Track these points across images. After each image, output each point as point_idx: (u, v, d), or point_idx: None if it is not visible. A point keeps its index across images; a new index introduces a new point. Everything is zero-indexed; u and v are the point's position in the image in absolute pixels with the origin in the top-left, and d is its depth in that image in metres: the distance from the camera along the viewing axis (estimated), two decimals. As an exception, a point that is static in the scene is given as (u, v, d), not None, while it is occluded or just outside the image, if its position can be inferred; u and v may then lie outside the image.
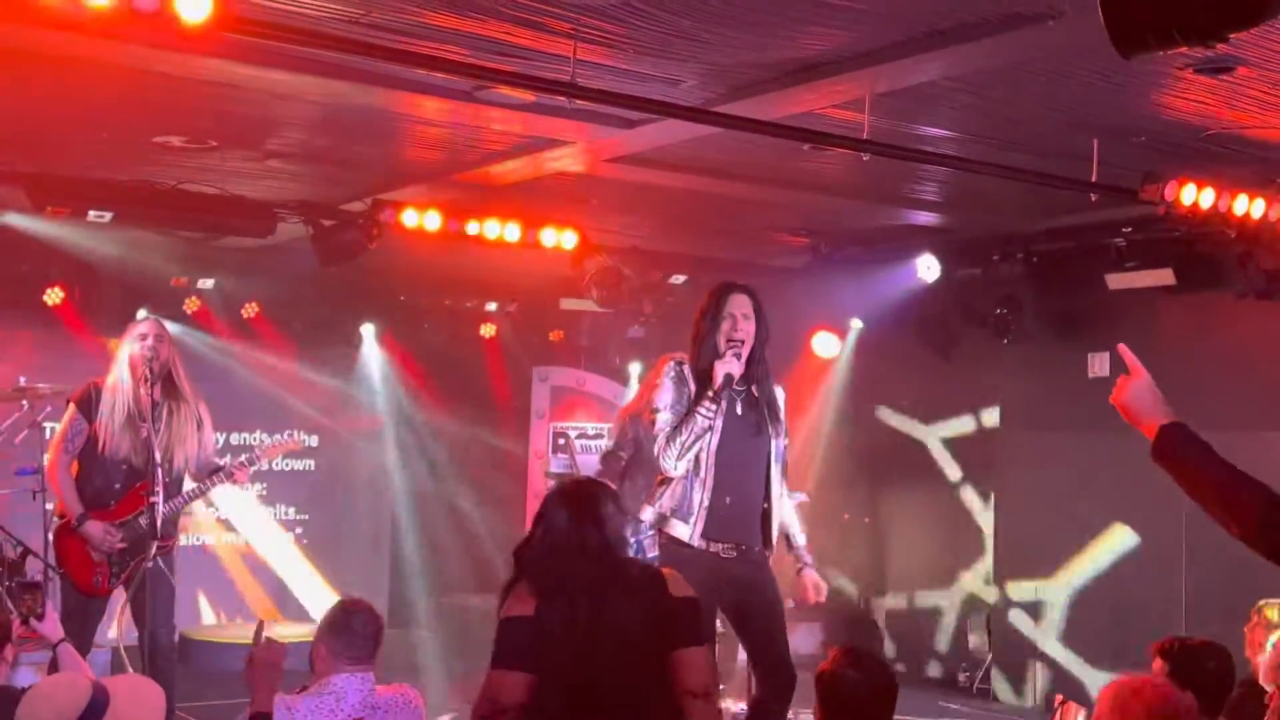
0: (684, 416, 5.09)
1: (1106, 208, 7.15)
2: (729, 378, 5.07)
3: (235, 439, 9.45)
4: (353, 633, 5.01)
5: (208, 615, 9.56)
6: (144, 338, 6.13)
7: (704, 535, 5.11)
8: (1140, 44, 2.85)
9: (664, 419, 5.12)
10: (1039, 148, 6.33)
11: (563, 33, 4.79)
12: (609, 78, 5.29)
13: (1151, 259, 7.56)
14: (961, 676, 9.13)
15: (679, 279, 9.44)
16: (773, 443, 5.26)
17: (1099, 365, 8.34)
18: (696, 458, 5.11)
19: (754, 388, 5.23)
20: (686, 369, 5.19)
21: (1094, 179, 6.32)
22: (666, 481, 5.20)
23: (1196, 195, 6.29)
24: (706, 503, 5.11)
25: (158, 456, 5.92)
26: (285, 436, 6.87)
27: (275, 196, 7.67)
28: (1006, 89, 5.52)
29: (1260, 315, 7.42)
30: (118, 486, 6.13)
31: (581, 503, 3.63)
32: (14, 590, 5.61)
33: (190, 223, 7.40)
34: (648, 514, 5.27)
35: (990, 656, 8.92)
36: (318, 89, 5.56)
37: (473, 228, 7.65)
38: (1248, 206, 6.48)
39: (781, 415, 5.33)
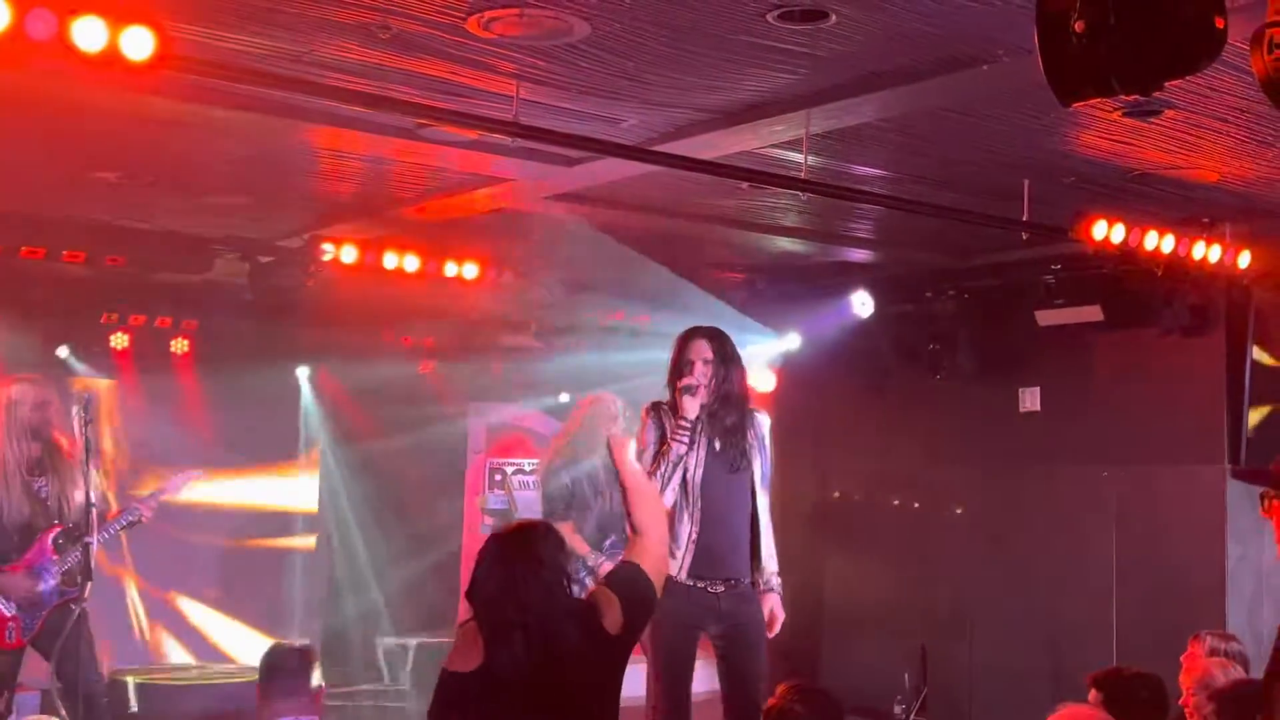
0: (658, 450, 5.25)
1: (1037, 245, 7.31)
2: (703, 406, 5.26)
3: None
4: (287, 674, 5.00)
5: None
6: (19, 403, 6.16)
7: (691, 572, 5.21)
8: (1079, 93, 2.94)
9: (645, 457, 5.25)
10: (972, 187, 6.45)
11: (507, 73, 4.82)
12: (551, 117, 5.33)
13: (1080, 296, 7.72)
14: (898, 709, 9.17)
15: (616, 314, 9.47)
16: (755, 475, 5.38)
17: (1029, 400, 8.49)
18: (685, 493, 5.22)
19: (729, 424, 5.33)
20: (663, 410, 5.37)
21: (1025, 218, 6.45)
22: None
23: (1125, 234, 6.44)
24: (694, 536, 5.23)
25: (51, 506, 5.98)
26: (198, 474, 6.87)
27: (212, 232, 7.61)
28: (941, 130, 5.64)
29: (1186, 351, 7.60)
30: (16, 539, 6.15)
31: (521, 545, 3.63)
32: None
33: (124, 259, 7.30)
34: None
35: (925, 689, 8.97)
36: (258, 126, 5.54)
37: (411, 264, 7.64)
38: (1174, 245, 6.65)
39: (762, 445, 5.44)
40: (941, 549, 8.91)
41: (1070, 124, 5.41)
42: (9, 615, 6.08)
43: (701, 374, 5.29)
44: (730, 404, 5.36)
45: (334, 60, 4.73)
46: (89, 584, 6.25)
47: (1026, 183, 6.27)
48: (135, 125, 5.52)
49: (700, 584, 5.23)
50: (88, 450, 6.12)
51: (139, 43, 3.86)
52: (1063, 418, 8.28)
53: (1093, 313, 7.68)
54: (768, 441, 5.47)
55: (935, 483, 9.02)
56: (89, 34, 3.78)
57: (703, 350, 5.34)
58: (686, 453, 5.25)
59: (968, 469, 8.81)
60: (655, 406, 5.40)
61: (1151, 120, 5.29)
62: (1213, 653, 5.11)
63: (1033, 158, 5.96)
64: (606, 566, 5.48)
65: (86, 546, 6.23)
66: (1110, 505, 7.95)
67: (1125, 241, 6.46)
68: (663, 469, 5.20)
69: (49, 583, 6.07)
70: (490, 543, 3.67)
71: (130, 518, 6.38)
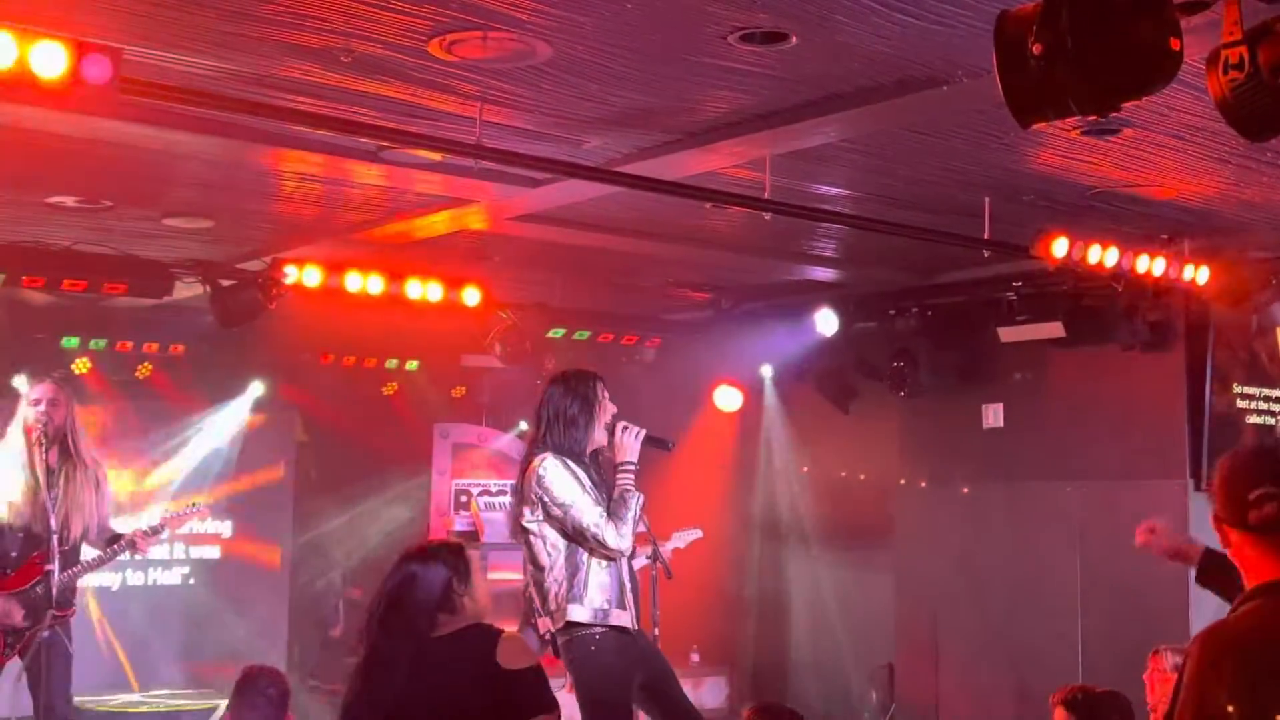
0: (617, 494, 5.09)
1: (999, 263, 7.36)
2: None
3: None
4: (258, 696, 4.96)
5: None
6: (38, 402, 6.01)
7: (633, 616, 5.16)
8: (1038, 114, 2.97)
9: (586, 504, 5.02)
10: (933, 206, 6.50)
11: (470, 95, 4.82)
12: (514, 139, 5.34)
13: (1042, 312, 7.77)
14: (866, 729, 9.20)
15: (582, 334, 9.47)
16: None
17: (993, 416, 8.54)
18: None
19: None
20: (565, 459, 5.11)
21: (987, 236, 6.50)
22: (589, 570, 5.05)
23: (1084, 251, 6.50)
24: (629, 582, 5.15)
25: (54, 524, 5.77)
26: (189, 507, 6.76)
27: (172, 256, 7.56)
28: (901, 150, 5.67)
29: (1145, 367, 7.67)
30: (14, 555, 5.96)
31: (397, 566, 3.63)
32: None
33: (83, 284, 7.23)
34: (579, 613, 5.01)
35: (894, 708, 9.00)
36: (217, 149, 5.51)
37: (374, 285, 7.61)
38: (1134, 262, 6.71)
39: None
40: (907, 566, 8.94)
41: (1030, 143, 5.45)
42: None
43: (612, 408, 5.27)
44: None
45: (296, 83, 4.71)
46: (71, 610, 6.14)
47: (988, 200, 6.33)
48: (93, 148, 5.47)
49: (622, 620, 5.09)
50: (73, 467, 6.01)
51: (98, 68, 3.82)
52: (1026, 433, 8.33)
53: (1054, 329, 7.73)
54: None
55: (900, 499, 9.04)
56: (48, 60, 3.75)
57: (604, 390, 5.29)
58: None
59: (932, 485, 8.85)
60: (556, 458, 5.09)
61: (1110, 138, 5.34)
62: (1176, 668, 5.13)
63: (993, 176, 6.01)
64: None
65: (80, 570, 6.14)
66: (1073, 521, 8.00)
67: (1085, 258, 6.52)
68: (629, 510, 5.07)
69: (34, 606, 5.90)
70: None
71: (126, 549, 6.26)
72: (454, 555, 3.75)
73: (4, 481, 5.96)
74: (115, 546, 6.21)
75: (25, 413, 6.02)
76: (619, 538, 5.00)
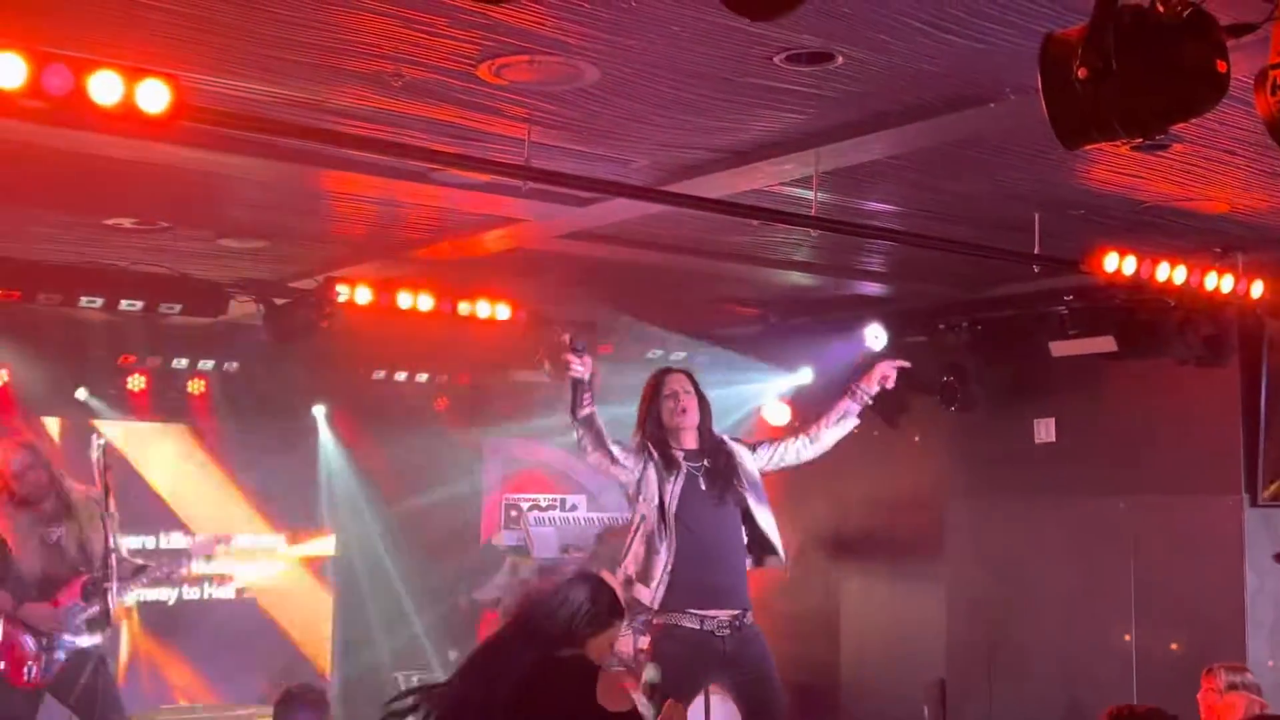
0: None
1: (1049, 277, 7.31)
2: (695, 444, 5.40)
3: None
4: (297, 711, 5.02)
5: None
6: (28, 467, 6.25)
7: (679, 606, 5.23)
8: (1084, 136, 2.96)
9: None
10: (982, 221, 6.47)
11: (518, 117, 4.86)
12: (562, 159, 5.38)
13: (1094, 327, 7.71)
14: (918, 746, 9.14)
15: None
16: (753, 503, 5.48)
17: (1044, 431, 8.47)
18: (660, 524, 5.21)
19: (707, 461, 5.38)
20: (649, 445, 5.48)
21: (1037, 251, 6.46)
22: (633, 543, 5.37)
23: (1136, 266, 6.45)
24: (671, 566, 5.26)
25: (73, 554, 6.01)
26: (228, 538, 6.97)
27: (227, 275, 7.67)
28: (950, 166, 5.66)
29: (1199, 381, 7.58)
30: (35, 593, 6.17)
31: (547, 579, 3.67)
32: None
33: (140, 303, 7.36)
34: (618, 575, 5.37)
35: (945, 725, 8.94)
36: (271, 171, 5.59)
37: (425, 303, 7.68)
38: (1186, 276, 6.65)
39: (746, 472, 5.54)
40: (958, 581, 8.88)
41: (1079, 158, 5.42)
42: (30, 653, 6.07)
43: (689, 404, 5.46)
44: (710, 435, 5.52)
45: (347, 107, 4.78)
46: (107, 630, 6.28)
47: (1037, 216, 6.29)
48: (151, 172, 5.57)
49: (706, 624, 5.23)
50: (106, 494, 6.16)
51: (155, 95, 3.90)
52: (1078, 449, 8.26)
53: (1106, 343, 7.66)
54: (748, 470, 5.54)
55: (951, 514, 8.99)
56: (105, 88, 3.83)
57: (682, 382, 5.55)
58: (667, 483, 5.31)
59: (983, 501, 8.79)
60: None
61: (1160, 154, 5.30)
62: (1230, 687, 5.09)
63: (1043, 191, 5.98)
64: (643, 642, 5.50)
65: (105, 593, 6.26)
66: (1127, 536, 7.92)
67: (1137, 273, 6.46)
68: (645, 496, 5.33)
69: (72, 627, 6.07)
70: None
71: (157, 575, 6.44)
72: (599, 591, 3.79)
73: (14, 534, 6.19)
74: (140, 576, 6.44)
75: (14, 476, 6.26)
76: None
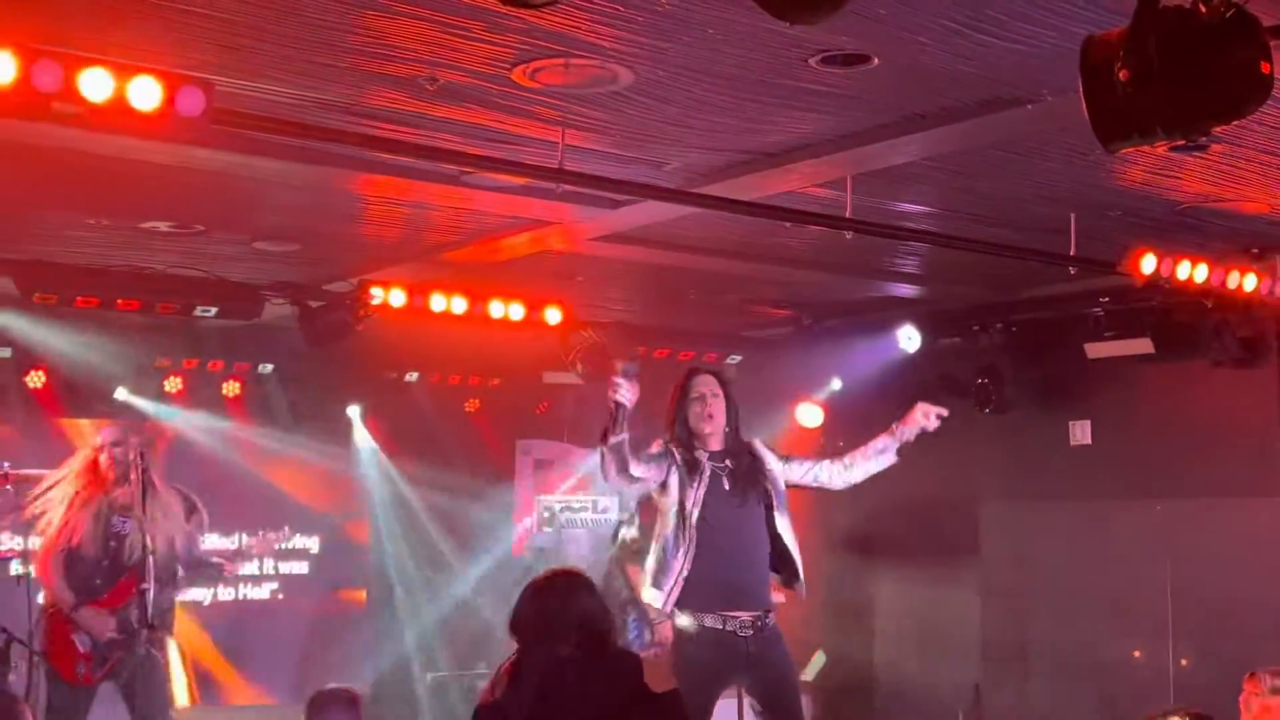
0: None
1: (1084, 278, 7.26)
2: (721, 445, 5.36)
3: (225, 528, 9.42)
4: (330, 711, 5.04)
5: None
6: (116, 444, 6.27)
7: (697, 608, 5.23)
8: (1124, 139, 2.94)
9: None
10: (1017, 222, 6.43)
11: (552, 120, 4.87)
12: (596, 161, 5.38)
13: (1130, 328, 7.65)
14: (952, 747, 9.09)
15: (661, 351, 9.48)
16: (774, 508, 5.44)
17: (1080, 433, 8.42)
18: (679, 528, 5.19)
19: (730, 461, 5.37)
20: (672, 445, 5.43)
21: (1072, 252, 6.42)
22: (654, 540, 5.36)
23: (1173, 267, 6.39)
24: (686, 573, 5.24)
25: (136, 551, 6.00)
26: (277, 533, 6.91)
27: (261, 278, 7.71)
28: (985, 167, 5.63)
29: (1236, 383, 7.51)
30: (99, 583, 6.16)
31: (561, 596, 3.66)
32: None
33: (176, 306, 7.41)
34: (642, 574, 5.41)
35: (980, 730, 8.89)
36: (306, 175, 5.62)
37: (458, 306, 7.69)
38: (1223, 277, 6.59)
39: (772, 477, 5.48)
40: (993, 584, 8.83)
41: (1116, 159, 5.38)
42: (83, 651, 6.10)
43: (716, 405, 5.39)
44: (736, 437, 5.46)
45: (382, 111, 4.80)
46: (166, 631, 6.30)
47: (1073, 217, 6.25)
48: (186, 176, 5.61)
49: (728, 624, 5.21)
50: (144, 495, 6.19)
51: (192, 100, 3.93)
52: (1114, 451, 8.20)
53: (1143, 345, 7.60)
54: (773, 474, 5.50)
55: (985, 516, 8.94)
56: (143, 94, 3.86)
57: (710, 383, 5.47)
58: (689, 488, 5.29)
59: (1018, 503, 8.74)
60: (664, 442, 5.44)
61: (1198, 155, 5.26)
62: (1275, 691, 5.04)
63: (1079, 193, 5.94)
64: (667, 627, 5.45)
65: (162, 591, 6.27)
66: (1164, 539, 7.86)
67: (1174, 274, 6.41)
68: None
69: (128, 625, 6.08)
70: (530, 591, 3.69)
71: (213, 572, 6.46)
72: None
73: (88, 516, 6.17)
74: (206, 570, 6.40)
75: (100, 455, 6.29)
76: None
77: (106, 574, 6.16)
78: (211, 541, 9.05)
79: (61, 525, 6.21)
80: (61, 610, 6.08)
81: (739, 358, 9.77)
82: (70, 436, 8.84)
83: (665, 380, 5.91)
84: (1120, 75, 2.80)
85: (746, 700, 5.65)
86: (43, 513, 6.29)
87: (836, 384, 9.64)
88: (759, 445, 5.59)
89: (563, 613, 3.59)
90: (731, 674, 5.28)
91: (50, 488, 6.31)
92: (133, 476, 6.19)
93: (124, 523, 6.11)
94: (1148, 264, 6.29)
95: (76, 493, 6.26)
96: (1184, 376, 7.77)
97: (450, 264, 7.39)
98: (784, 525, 5.45)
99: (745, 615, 5.24)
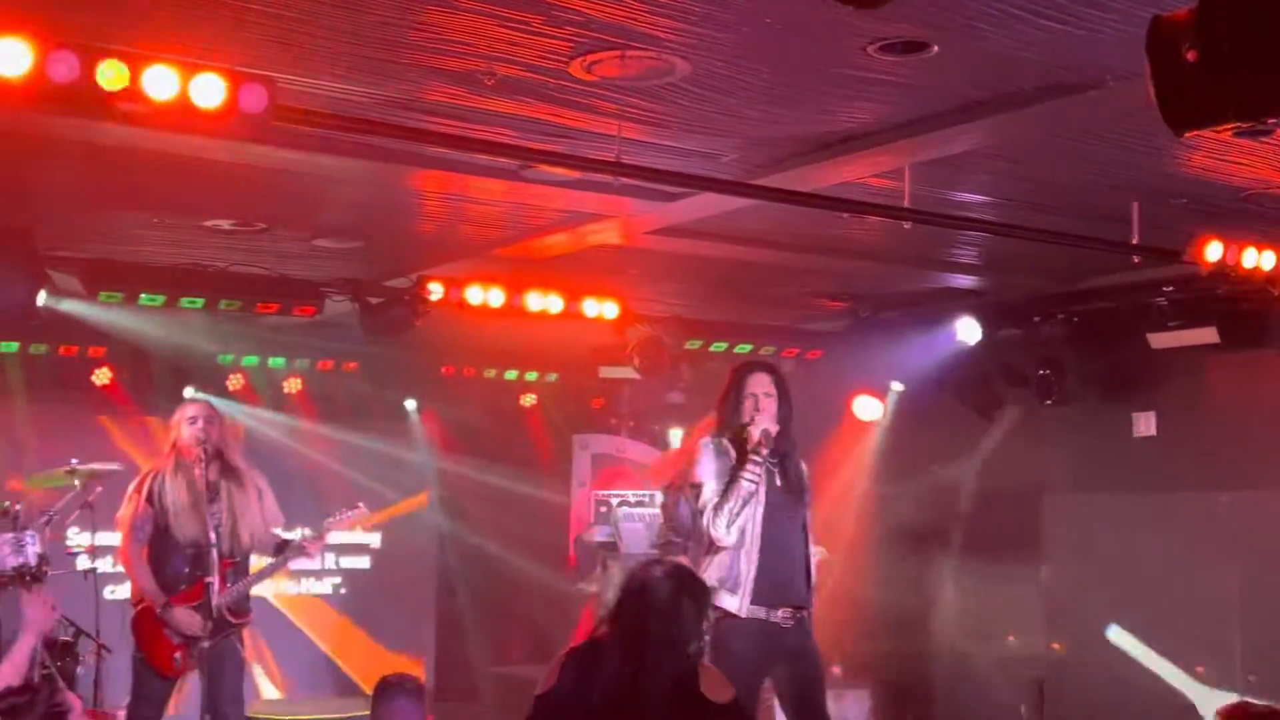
0: (729, 483, 5.25)
1: (1147, 267, 7.17)
2: (766, 433, 5.26)
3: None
4: (396, 697, 5.10)
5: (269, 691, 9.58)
6: (194, 420, 6.15)
7: (754, 604, 5.23)
8: (1193, 123, 2.89)
9: (710, 489, 5.31)
10: (1078, 210, 6.36)
11: (609, 113, 4.87)
12: (652, 154, 5.38)
13: (1195, 318, 7.55)
14: (1015, 743, 9.01)
15: (719, 346, 9.47)
16: (805, 511, 5.48)
17: (1144, 425, 8.32)
18: (742, 528, 5.20)
19: (784, 461, 5.37)
20: (725, 441, 5.38)
21: (1135, 240, 6.33)
22: (714, 551, 5.29)
23: (1238, 255, 6.29)
24: (754, 573, 5.25)
25: (213, 538, 5.92)
26: (353, 511, 6.78)
27: (322, 275, 7.78)
28: (1045, 155, 5.57)
29: (1305, 372, 7.40)
30: (186, 570, 6.06)
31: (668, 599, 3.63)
32: None
33: (239, 302, 7.48)
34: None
35: (1043, 722, 8.80)
36: (366, 171, 5.66)
37: (516, 301, 7.73)
38: (1292, 264, 6.47)
39: (807, 484, 5.54)
40: (1057, 578, 8.74)
41: (1180, 145, 5.29)
42: (176, 643, 6.04)
43: (766, 406, 5.33)
44: (789, 435, 5.42)
45: (441, 106, 4.82)
46: (248, 617, 6.28)
47: (1135, 205, 6.16)
48: (248, 174, 5.67)
49: (773, 616, 5.20)
50: (227, 477, 6.18)
51: (255, 97, 3.96)
52: (1180, 442, 8.09)
53: (1208, 334, 7.50)
54: (807, 484, 5.53)
55: (1049, 509, 8.85)
56: (206, 91, 3.90)
57: (763, 383, 5.40)
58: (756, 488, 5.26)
59: (1082, 496, 8.64)
60: (716, 439, 5.38)
61: (1263, 139, 5.17)
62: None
63: (1141, 180, 5.86)
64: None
65: (255, 578, 6.31)
66: (1231, 531, 7.74)
67: (1240, 262, 6.30)
68: (731, 504, 5.20)
69: (216, 615, 6.02)
70: (635, 584, 3.67)
71: (295, 554, 6.42)
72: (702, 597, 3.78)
73: (172, 500, 6.09)
74: (285, 553, 6.37)
75: (182, 431, 6.17)
76: (714, 527, 5.21)
77: (192, 565, 6.03)
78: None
79: (154, 515, 6.06)
80: (152, 607, 6.03)
81: (796, 351, 9.73)
82: (139, 435, 8.99)
83: (721, 374, 5.90)
84: (1189, 56, 2.75)
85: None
86: (133, 509, 6.14)
87: (898, 386, 9.59)
88: (803, 466, 5.57)
89: (652, 614, 3.58)
90: (772, 665, 5.27)
91: (139, 484, 6.22)
92: (219, 458, 6.12)
93: (216, 511, 5.96)
94: (1213, 251, 6.19)
95: (162, 478, 6.12)
96: (1251, 366, 7.66)
97: (508, 259, 7.42)
98: (811, 537, 5.50)
99: (788, 609, 5.25)
